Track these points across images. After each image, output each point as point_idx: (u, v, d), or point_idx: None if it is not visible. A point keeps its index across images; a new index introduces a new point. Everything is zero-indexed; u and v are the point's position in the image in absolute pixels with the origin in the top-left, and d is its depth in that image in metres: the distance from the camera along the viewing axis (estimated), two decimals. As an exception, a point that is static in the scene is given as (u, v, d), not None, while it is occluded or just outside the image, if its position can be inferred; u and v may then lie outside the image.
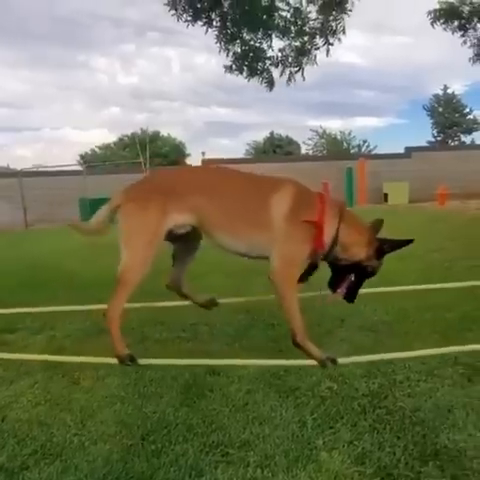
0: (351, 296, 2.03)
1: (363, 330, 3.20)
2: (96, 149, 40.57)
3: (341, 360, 1.99)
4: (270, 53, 7.81)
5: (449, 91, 38.20)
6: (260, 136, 48.06)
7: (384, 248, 1.95)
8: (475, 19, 8.48)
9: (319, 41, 7.26)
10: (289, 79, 7.77)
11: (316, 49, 7.57)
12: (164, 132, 40.83)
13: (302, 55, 7.61)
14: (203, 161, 20.40)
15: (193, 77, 69.05)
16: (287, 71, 7.83)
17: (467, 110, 38.07)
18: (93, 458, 1.88)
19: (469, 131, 38.11)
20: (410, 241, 1.92)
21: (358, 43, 58.73)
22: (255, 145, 41.72)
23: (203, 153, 31.34)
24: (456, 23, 8.49)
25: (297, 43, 7.54)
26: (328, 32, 6.93)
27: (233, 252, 2.01)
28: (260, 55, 7.79)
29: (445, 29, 8.56)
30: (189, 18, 6.29)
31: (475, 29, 8.65)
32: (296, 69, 7.75)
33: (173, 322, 3.65)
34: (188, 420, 2.12)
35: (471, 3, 8.42)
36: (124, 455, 1.89)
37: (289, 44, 7.58)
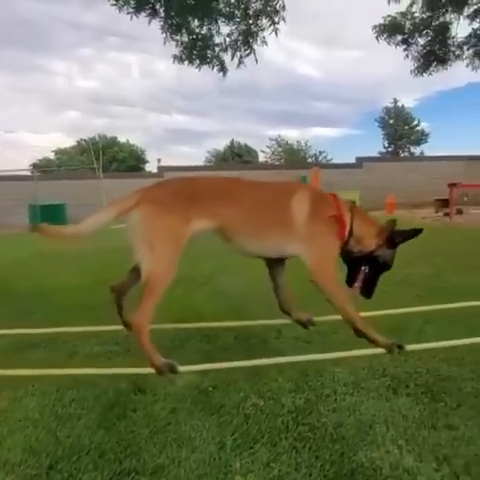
0: (368, 290, 2.13)
1: (298, 341, 3.16)
2: (52, 154, 39.42)
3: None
4: (218, 40, 7.76)
5: (399, 104, 40.35)
6: (220, 144, 48.38)
7: (395, 238, 2.07)
8: (416, 34, 8.83)
9: (265, 22, 7.26)
10: (239, 62, 7.74)
11: (261, 30, 7.58)
12: (123, 138, 40.33)
13: (250, 37, 7.60)
14: (159, 168, 20.14)
15: (153, 83, 68.54)
16: (238, 55, 7.80)
17: (416, 122, 39.96)
18: (-10, 492, 1.72)
19: (418, 143, 40.03)
20: (420, 230, 2.06)
21: (313, 56, 60.43)
22: (215, 153, 41.85)
23: (159, 160, 31.11)
24: (399, 38, 8.81)
25: (243, 26, 7.52)
26: (271, 12, 6.82)
27: (255, 255, 2.09)
28: (208, 42, 7.72)
29: (389, 43, 8.87)
30: (132, 10, 6.08)
31: (416, 44, 9.00)
32: (247, 52, 7.73)
33: (107, 335, 3.49)
34: (103, 444, 1.99)
35: (413, 18, 8.75)
36: (25, 487, 1.74)
37: (236, 28, 7.54)
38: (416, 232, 2.06)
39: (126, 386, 2.55)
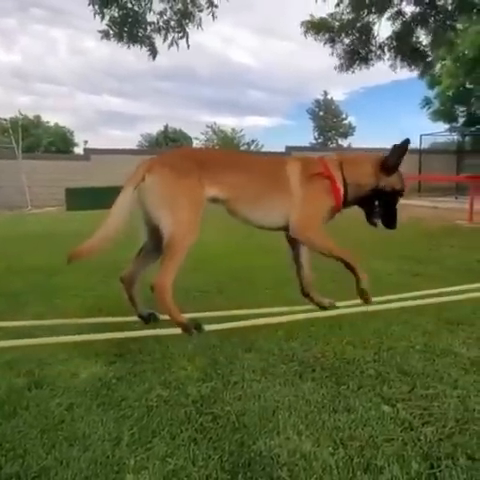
0: (390, 222, 2.16)
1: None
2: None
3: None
4: (151, 18, 7.40)
5: (328, 97, 41.48)
6: (154, 129, 47.09)
7: (388, 162, 2.07)
8: (342, 34, 9.08)
9: (203, 3, 7.04)
10: (171, 44, 7.45)
11: (200, 11, 7.34)
12: (50, 118, 37.93)
13: (185, 18, 7.33)
14: (85, 150, 19.18)
15: (83, 62, 64.82)
16: (170, 37, 7.50)
17: (344, 116, 41.52)
18: None
19: (345, 135, 41.72)
20: (407, 141, 2.07)
21: (249, 44, 60.25)
22: (149, 137, 40.72)
23: (85, 142, 29.76)
24: (327, 36, 9.03)
25: (179, 6, 7.23)
26: None
27: (257, 225, 2.10)
28: (140, 20, 7.35)
29: (316, 40, 9.08)
30: None
31: (342, 42, 9.28)
32: (180, 35, 7.45)
33: (8, 326, 3.21)
34: (-17, 449, 1.80)
35: (341, 19, 8.98)
36: None
37: (170, 7, 7.24)
38: (404, 143, 2.08)
39: (21, 381, 2.35)
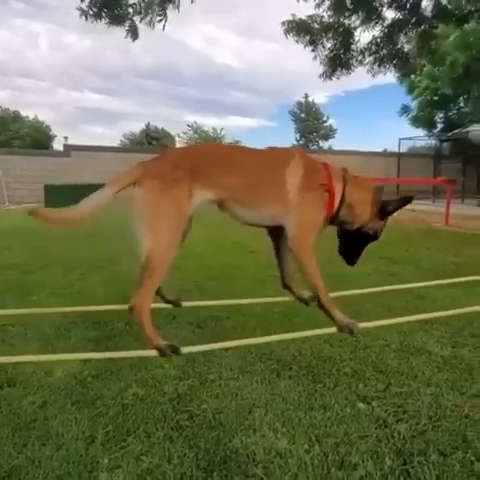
0: (353, 259, 2.10)
1: (192, 326, 3.09)
2: None
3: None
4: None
5: (310, 99, 41.89)
6: (136, 127, 46.66)
7: (387, 208, 2.02)
8: (323, 37, 9.11)
9: None
10: (149, 25, 7.36)
11: None
12: (29, 113, 37.17)
13: (167, 1, 7.25)
14: (65, 147, 18.85)
15: (64, 57, 63.68)
16: (148, 18, 7.40)
17: (325, 118, 41.90)
18: None
19: (326, 137, 42.11)
20: (410, 198, 2.03)
21: (232, 45, 60.20)
22: (131, 135, 40.40)
23: (65, 138, 29.29)
24: (308, 38, 9.03)
25: None
26: None
27: (252, 224, 2.04)
28: (121, 1, 7.24)
29: (297, 41, 9.08)
30: None
31: (323, 46, 9.30)
32: (160, 18, 7.37)
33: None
34: None
35: (321, 22, 9.00)
36: None
37: None
38: (407, 200, 2.04)
39: (-6, 380, 2.29)
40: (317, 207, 1.99)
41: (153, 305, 1.83)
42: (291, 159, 2.03)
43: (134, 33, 7.70)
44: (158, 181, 1.82)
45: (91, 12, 7.20)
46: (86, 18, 7.23)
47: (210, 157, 2.02)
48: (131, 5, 7.34)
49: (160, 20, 7.35)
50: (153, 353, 1.73)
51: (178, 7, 7.26)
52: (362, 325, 1.95)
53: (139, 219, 1.81)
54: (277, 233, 2.15)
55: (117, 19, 7.41)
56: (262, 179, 2.00)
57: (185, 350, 1.78)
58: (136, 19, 7.50)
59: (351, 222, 2.05)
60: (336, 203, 2.01)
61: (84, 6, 7.09)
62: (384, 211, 2.04)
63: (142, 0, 7.29)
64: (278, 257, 2.27)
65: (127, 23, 7.55)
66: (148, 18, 7.30)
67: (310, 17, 9.13)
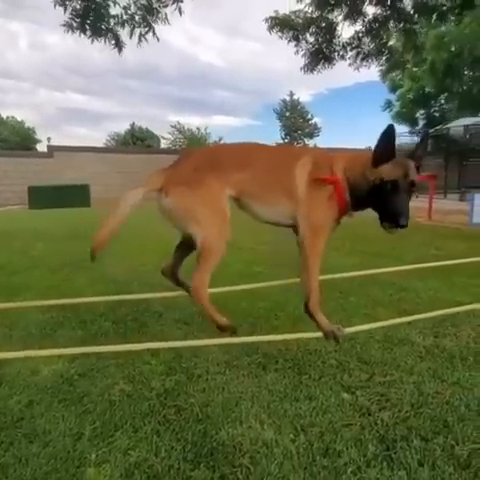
0: (394, 218, 1.82)
1: (179, 323, 3.10)
2: None
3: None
4: (114, 11, 7.27)
5: (295, 97, 41.96)
6: (121, 127, 46.35)
7: (375, 153, 1.85)
8: (306, 32, 9.17)
9: None
10: (140, 40, 7.35)
11: (164, 7, 7.26)
12: (9, 114, 36.67)
13: (150, 14, 7.24)
14: (48, 147, 18.67)
15: (44, 57, 62.89)
16: (137, 32, 7.38)
17: (310, 116, 42.08)
18: None
19: (311, 135, 42.31)
20: (390, 126, 1.80)
21: (215, 44, 59.99)
22: (116, 136, 40.13)
23: (49, 139, 29.09)
24: (291, 33, 9.09)
25: (143, 1, 7.14)
26: None
27: (266, 221, 2.07)
28: (103, 12, 7.20)
29: (281, 38, 9.13)
30: None
31: (306, 41, 9.37)
32: (146, 30, 7.35)
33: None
34: None
35: (305, 18, 9.07)
36: None
37: (135, 2, 7.14)
38: (387, 129, 1.80)
39: (-22, 380, 2.27)
40: (324, 204, 1.96)
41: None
42: (302, 155, 2.05)
43: (119, 46, 7.67)
44: (184, 187, 1.89)
45: (74, 23, 7.17)
46: (72, 31, 7.20)
47: (227, 157, 2.07)
48: (113, 17, 7.31)
49: (147, 32, 7.35)
50: (140, 347, 1.74)
51: (166, 19, 7.22)
52: (347, 330, 2.00)
53: (185, 224, 1.91)
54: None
55: (99, 31, 7.37)
56: (273, 176, 2.03)
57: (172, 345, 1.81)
58: (120, 31, 7.47)
59: (359, 193, 1.94)
60: (344, 193, 1.95)
61: (67, 19, 7.06)
62: (374, 158, 1.86)
63: (125, 12, 7.25)
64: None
65: (109, 35, 7.51)
66: (137, 32, 7.27)
67: (293, 12, 9.19)
